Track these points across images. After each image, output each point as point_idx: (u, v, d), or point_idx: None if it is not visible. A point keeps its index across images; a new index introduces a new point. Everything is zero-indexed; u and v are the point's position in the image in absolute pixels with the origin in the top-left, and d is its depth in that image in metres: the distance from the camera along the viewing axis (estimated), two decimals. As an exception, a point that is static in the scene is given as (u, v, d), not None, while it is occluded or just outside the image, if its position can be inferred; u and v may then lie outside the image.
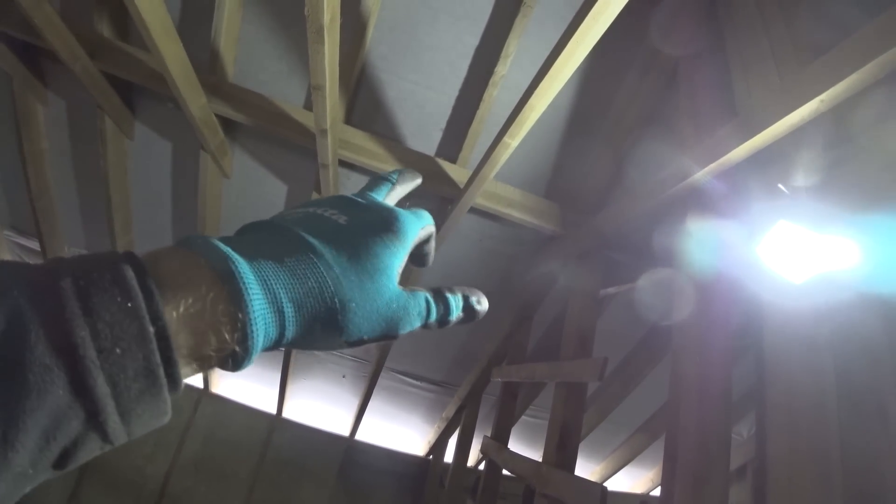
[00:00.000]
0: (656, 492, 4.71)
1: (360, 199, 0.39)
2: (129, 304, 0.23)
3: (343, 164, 2.79)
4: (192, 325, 0.26)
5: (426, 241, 0.42)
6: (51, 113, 3.06)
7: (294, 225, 0.34)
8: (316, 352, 4.01)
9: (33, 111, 3.01)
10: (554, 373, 2.28)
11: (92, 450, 0.23)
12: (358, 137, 2.57)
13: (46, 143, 3.15)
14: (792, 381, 1.33)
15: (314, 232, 0.33)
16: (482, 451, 3.00)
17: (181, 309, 0.25)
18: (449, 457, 3.97)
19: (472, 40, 2.28)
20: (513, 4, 2.17)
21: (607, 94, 2.41)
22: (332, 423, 4.35)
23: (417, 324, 0.35)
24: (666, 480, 1.54)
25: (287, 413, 4.30)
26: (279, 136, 2.67)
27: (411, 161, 2.59)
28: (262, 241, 0.32)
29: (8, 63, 2.69)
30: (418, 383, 4.04)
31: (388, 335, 0.34)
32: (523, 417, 3.86)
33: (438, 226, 2.82)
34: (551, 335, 3.42)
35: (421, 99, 2.58)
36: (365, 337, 0.32)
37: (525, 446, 4.03)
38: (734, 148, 1.51)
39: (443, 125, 2.65)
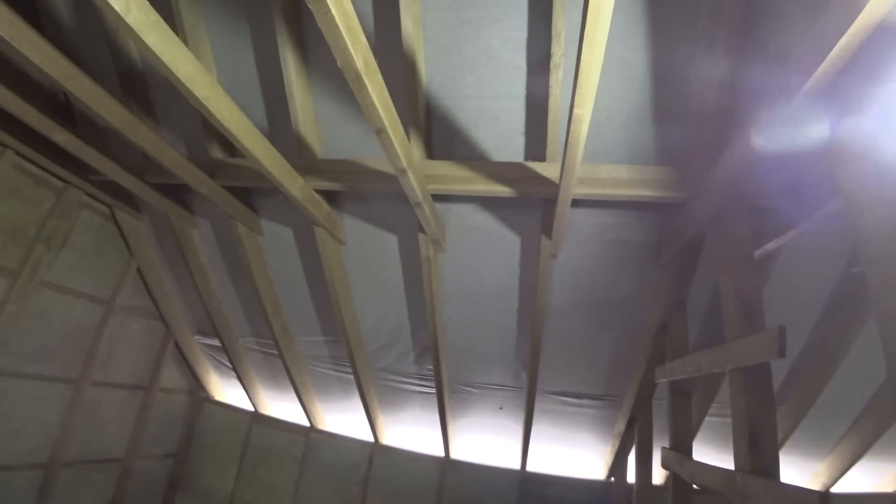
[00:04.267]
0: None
1: None
2: None
3: (438, 198, 2.81)
4: None
5: None
6: (201, 233, 3.65)
7: None
8: (468, 388, 4.00)
9: (189, 236, 3.61)
10: (722, 358, 1.90)
11: None
12: (443, 168, 2.57)
13: (204, 258, 3.74)
14: None
15: None
16: (663, 465, 2.61)
17: None
18: (632, 476, 3.55)
19: (519, 35, 2.16)
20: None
21: (685, 24, 2.05)
22: (501, 456, 4.24)
23: None
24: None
25: (455, 453, 4.31)
26: (375, 192, 2.80)
27: (500, 173, 2.50)
28: None
29: (162, 204, 3.28)
30: (578, 401, 3.76)
31: None
32: (708, 419, 3.32)
33: (547, 229, 2.65)
34: (713, 316, 2.93)
35: (492, 111, 2.50)
36: None
37: (720, 452, 3.44)
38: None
39: (522, 128, 2.53)
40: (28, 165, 3.14)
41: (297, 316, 3.91)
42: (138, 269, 4.07)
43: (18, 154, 3.04)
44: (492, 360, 3.73)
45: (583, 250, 2.94)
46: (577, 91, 1.40)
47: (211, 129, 2.85)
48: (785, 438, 3.41)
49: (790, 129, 1.66)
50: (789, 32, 1.67)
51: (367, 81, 1.39)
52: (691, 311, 2.97)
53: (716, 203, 2.10)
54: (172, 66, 1.59)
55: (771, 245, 2.36)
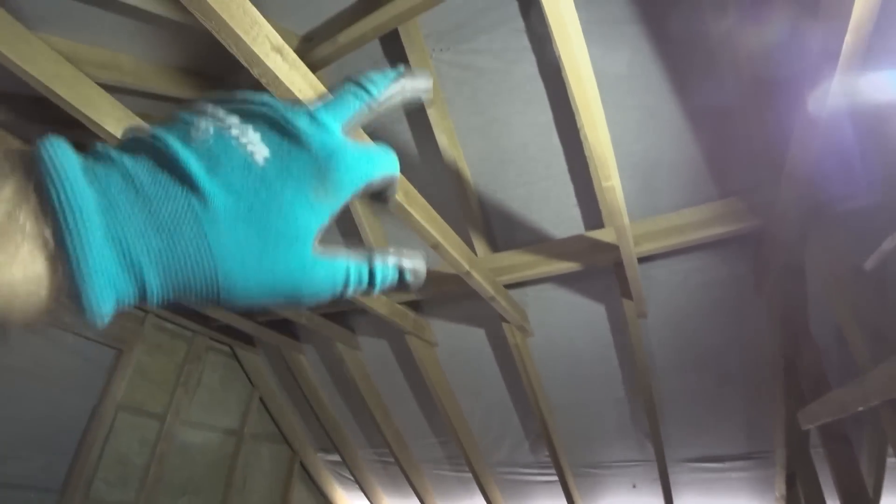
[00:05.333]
0: None
1: (300, 126, 0.29)
2: None
3: (511, 286, 2.88)
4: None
5: (385, 189, 0.33)
6: (309, 358, 4.00)
7: (189, 154, 0.25)
8: (592, 469, 3.73)
9: (299, 361, 3.97)
10: (861, 394, 1.66)
11: None
12: (508, 259, 2.67)
13: (315, 380, 4.05)
14: None
15: (213, 169, 0.25)
16: (841, 531, 2.19)
17: None
18: (819, 547, 2.97)
19: (546, 117, 2.32)
20: (553, 64, 2.17)
21: (702, 52, 2.08)
22: (652, 541, 3.78)
23: (328, 295, 0.29)
24: None
25: (600, 544, 3.92)
26: (453, 294, 2.95)
27: (563, 248, 2.56)
28: (138, 173, 0.24)
29: (272, 338, 3.69)
30: (721, 465, 3.34)
31: (286, 305, 0.29)
32: (891, 459, 2.76)
33: (626, 291, 2.59)
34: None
35: (542, 193, 2.62)
36: (255, 306, 0.27)
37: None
38: None
39: (574, 200, 2.60)
40: (164, 323, 3.77)
41: (408, 422, 4.00)
42: (261, 399, 4.49)
43: (156, 315, 3.67)
44: (609, 434, 3.50)
45: (674, 302, 2.80)
46: (599, 167, 1.48)
47: (302, 268, 3.25)
48: None
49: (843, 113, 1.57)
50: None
51: (410, 210, 1.58)
52: (820, 337, 2.63)
53: (796, 219, 1.97)
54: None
55: (886, 244, 2.11)
